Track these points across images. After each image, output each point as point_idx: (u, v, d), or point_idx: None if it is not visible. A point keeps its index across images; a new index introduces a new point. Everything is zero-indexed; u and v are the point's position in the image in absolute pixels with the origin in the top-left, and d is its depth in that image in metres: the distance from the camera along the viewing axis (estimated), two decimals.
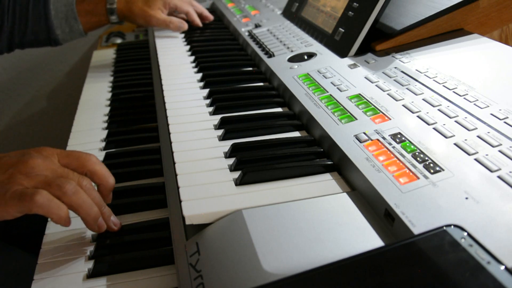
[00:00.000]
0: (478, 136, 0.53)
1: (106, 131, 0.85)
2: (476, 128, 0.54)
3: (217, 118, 0.75)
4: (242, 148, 0.65)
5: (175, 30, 1.18)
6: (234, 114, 0.76)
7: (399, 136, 0.56)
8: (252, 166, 0.60)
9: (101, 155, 0.78)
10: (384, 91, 0.67)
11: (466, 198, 0.45)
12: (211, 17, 1.26)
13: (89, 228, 0.57)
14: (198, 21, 1.22)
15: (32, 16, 1.05)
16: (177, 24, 1.16)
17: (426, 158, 0.51)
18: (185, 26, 1.18)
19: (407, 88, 0.66)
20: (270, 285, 0.38)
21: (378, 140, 0.57)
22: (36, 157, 0.55)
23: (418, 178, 0.49)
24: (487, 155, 0.50)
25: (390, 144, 0.55)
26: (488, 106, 0.57)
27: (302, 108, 0.71)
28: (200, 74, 0.94)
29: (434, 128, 0.56)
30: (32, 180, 0.53)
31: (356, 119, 0.63)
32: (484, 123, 0.55)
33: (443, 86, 0.64)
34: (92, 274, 0.54)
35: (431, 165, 0.50)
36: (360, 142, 0.57)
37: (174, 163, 0.63)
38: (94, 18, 1.10)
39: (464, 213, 0.43)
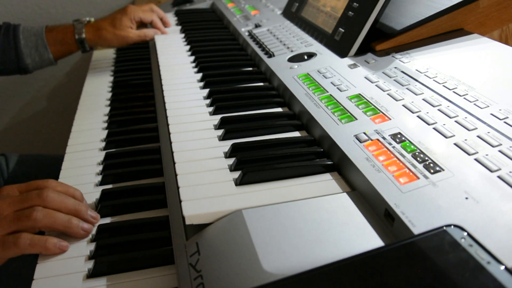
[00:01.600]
0: (478, 136, 0.53)
1: (106, 131, 0.84)
2: (476, 128, 0.54)
3: (217, 118, 0.75)
4: (242, 148, 0.65)
5: (151, 40, 1.18)
6: (234, 114, 0.76)
7: (399, 136, 0.56)
8: (252, 166, 0.60)
9: (101, 155, 0.78)
10: (384, 91, 0.67)
11: (466, 198, 0.45)
12: (170, 23, 1.28)
13: (77, 238, 0.59)
14: (163, 30, 1.23)
15: (2, 45, 1.07)
16: (152, 34, 1.17)
17: (426, 158, 0.51)
18: (159, 31, 1.20)
19: (407, 88, 0.66)
20: (270, 285, 0.38)
21: (378, 140, 0.57)
22: None
23: (418, 178, 0.49)
24: (487, 155, 0.50)
25: (390, 144, 0.55)
26: (488, 106, 0.57)
27: (302, 108, 0.71)
28: (200, 74, 0.94)
29: (434, 128, 0.56)
30: (2, 223, 0.55)
31: (356, 119, 0.63)
32: (484, 123, 0.55)
33: (443, 86, 0.64)
34: (92, 274, 0.54)
35: (431, 165, 0.50)
36: (360, 142, 0.57)
37: (174, 163, 0.63)
38: (64, 47, 1.11)
39: (464, 213, 0.43)
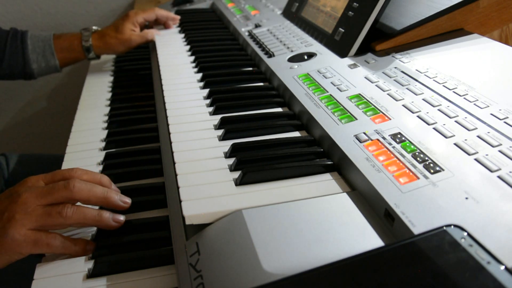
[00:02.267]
0: (478, 136, 0.53)
1: (106, 131, 0.85)
2: (476, 128, 0.54)
3: (217, 118, 0.75)
4: (242, 148, 0.65)
5: (153, 40, 1.18)
6: (234, 114, 0.76)
7: (399, 136, 0.56)
8: (252, 166, 0.60)
9: (101, 155, 0.78)
10: (384, 91, 0.67)
11: (466, 198, 0.45)
12: (177, 17, 1.29)
13: (111, 229, 0.58)
14: (169, 24, 1.25)
15: (9, 49, 1.08)
16: (153, 33, 1.17)
17: (426, 158, 0.51)
18: (160, 31, 1.21)
19: (407, 88, 0.66)
20: (270, 285, 0.38)
21: (378, 140, 0.57)
22: (24, 191, 0.55)
23: (418, 178, 0.49)
24: (487, 155, 0.50)
25: (390, 144, 0.55)
26: (488, 106, 0.57)
27: (302, 108, 0.71)
28: (200, 74, 0.94)
29: (434, 128, 0.56)
30: (31, 217, 0.53)
31: (356, 119, 0.63)
32: (484, 123, 0.55)
33: (443, 86, 0.64)
34: (92, 274, 0.54)
35: (431, 165, 0.50)
36: (360, 142, 0.57)
37: (174, 163, 0.63)
38: (70, 55, 1.12)
39: (464, 213, 0.43)
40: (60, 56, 1.11)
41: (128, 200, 0.61)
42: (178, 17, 1.29)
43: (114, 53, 1.18)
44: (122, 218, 0.59)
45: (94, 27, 1.14)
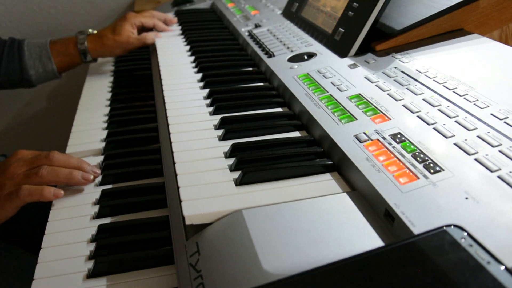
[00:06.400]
0: (478, 136, 0.53)
1: (106, 131, 0.85)
2: (476, 128, 0.54)
3: (217, 118, 0.75)
4: (242, 148, 0.65)
5: (152, 44, 1.18)
6: (234, 114, 0.76)
7: (399, 136, 0.56)
8: (252, 166, 0.60)
9: (101, 156, 0.78)
10: (384, 91, 0.67)
11: (466, 198, 0.45)
12: (174, 20, 1.29)
13: (79, 185, 0.69)
14: (167, 28, 1.25)
15: (7, 57, 1.08)
16: (153, 37, 1.17)
17: (426, 158, 0.51)
18: (159, 35, 1.20)
19: (407, 88, 0.66)
20: (270, 285, 0.38)
21: (378, 140, 0.57)
22: (13, 162, 0.69)
23: (418, 178, 0.49)
24: (487, 155, 0.50)
25: (390, 144, 0.55)
26: (488, 106, 0.57)
27: (302, 108, 0.71)
28: (200, 74, 0.94)
29: (434, 128, 0.56)
30: (15, 181, 0.67)
31: (356, 119, 0.63)
32: (484, 123, 0.55)
33: (443, 86, 0.64)
34: (92, 274, 0.54)
35: (431, 165, 0.50)
36: (360, 142, 0.57)
37: (174, 163, 0.63)
38: (67, 59, 1.11)
39: (464, 213, 0.43)
40: (57, 60, 1.10)
41: (97, 171, 0.72)
42: (175, 20, 1.29)
43: (111, 55, 1.17)
44: (91, 177, 0.70)
45: (90, 30, 1.13)
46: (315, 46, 0.89)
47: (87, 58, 1.11)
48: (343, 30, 0.84)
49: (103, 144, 0.81)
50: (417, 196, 0.47)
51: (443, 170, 0.49)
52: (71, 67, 1.14)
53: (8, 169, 0.68)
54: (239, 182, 0.57)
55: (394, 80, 0.69)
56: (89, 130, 0.87)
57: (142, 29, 1.19)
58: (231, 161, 0.63)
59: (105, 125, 0.88)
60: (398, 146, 0.55)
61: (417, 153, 0.52)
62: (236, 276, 0.44)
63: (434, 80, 0.66)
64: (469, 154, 0.50)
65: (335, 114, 0.65)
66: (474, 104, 0.59)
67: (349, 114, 0.64)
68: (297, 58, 0.87)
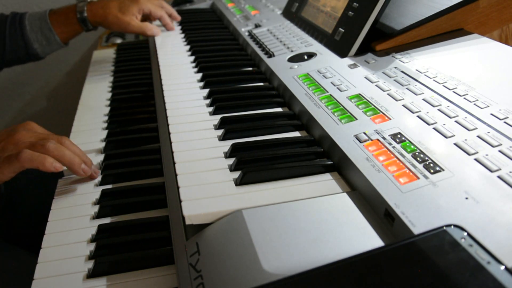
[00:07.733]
0: (478, 136, 0.53)
1: (106, 131, 0.85)
2: (476, 128, 0.54)
3: (217, 118, 0.75)
4: (242, 148, 0.65)
5: (150, 36, 1.17)
6: (234, 114, 0.76)
7: (399, 136, 0.56)
8: (252, 166, 0.60)
9: (101, 156, 0.78)
10: (384, 91, 0.67)
11: (466, 198, 0.45)
12: (178, 17, 1.28)
13: (76, 174, 0.69)
14: (171, 25, 1.23)
15: (9, 34, 1.08)
16: (153, 30, 1.16)
17: (426, 158, 0.51)
18: (159, 32, 1.19)
19: (407, 88, 0.66)
20: (270, 285, 0.38)
21: (378, 140, 0.57)
22: (22, 130, 0.68)
23: (418, 178, 0.49)
24: (487, 155, 0.50)
25: (390, 144, 0.55)
26: (488, 106, 0.57)
27: (302, 108, 0.71)
28: (200, 74, 0.94)
29: (434, 128, 0.56)
30: (18, 147, 0.65)
31: (356, 119, 0.63)
32: (484, 123, 0.55)
33: (443, 86, 0.64)
34: (92, 274, 0.54)
35: (431, 165, 0.50)
36: (360, 142, 0.57)
37: (174, 163, 0.63)
38: (68, 28, 1.11)
39: (464, 213, 0.43)
40: (59, 31, 1.09)
41: (98, 171, 0.72)
42: (179, 18, 1.28)
43: (108, 29, 1.16)
44: (90, 172, 0.70)
45: None
46: (315, 46, 0.89)
47: (88, 27, 1.10)
48: (343, 30, 0.84)
49: (103, 144, 0.81)
50: (417, 196, 0.47)
51: (443, 170, 0.49)
52: (74, 35, 1.13)
53: (14, 135, 0.67)
54: (239, 182, 0.57)
55: (394, 80, 0.69)
56: (89, 130, 0.87)
57: (147, 18, 1.18)
58: (231, 161, 0.63)
59: (105, 125, 0.88)
60: (398, 146, 0.55)
61: (417, 153, 0.52)
62: (236, 276, 0.44)
63: (434, 80, 0.66)
64: (469, 154, 0.50)
65: (335, 114, 0.65)
66: (474, 104, 0.59)
67: (349, 114, 0.64)
68: (297, 58, 0.87)
